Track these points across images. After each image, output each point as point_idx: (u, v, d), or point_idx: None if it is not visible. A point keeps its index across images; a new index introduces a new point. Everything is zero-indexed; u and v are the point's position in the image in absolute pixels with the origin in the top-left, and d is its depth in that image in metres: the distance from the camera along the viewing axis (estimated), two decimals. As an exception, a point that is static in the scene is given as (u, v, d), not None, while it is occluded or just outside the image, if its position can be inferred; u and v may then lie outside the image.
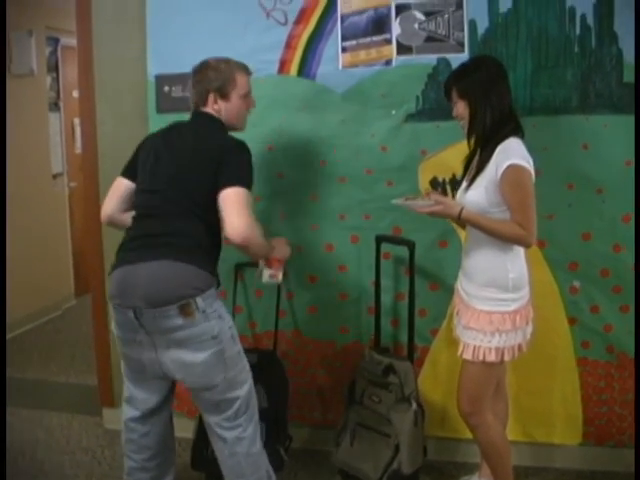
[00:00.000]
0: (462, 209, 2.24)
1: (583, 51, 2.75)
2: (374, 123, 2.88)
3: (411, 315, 2.81)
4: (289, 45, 2.89)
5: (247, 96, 2.42)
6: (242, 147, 2.27)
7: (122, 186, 2.44)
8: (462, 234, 2.65)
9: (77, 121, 5.27)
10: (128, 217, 2.38)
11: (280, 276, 2.53)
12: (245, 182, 2.19)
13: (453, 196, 2.61)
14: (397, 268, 2.95)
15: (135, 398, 2.38)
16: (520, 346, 2.36)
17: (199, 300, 2.14)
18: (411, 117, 2.86)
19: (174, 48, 2.98)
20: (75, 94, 5.28)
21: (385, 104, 2.87)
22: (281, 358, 3.01)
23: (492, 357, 2.32)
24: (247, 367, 2.36)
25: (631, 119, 2.71)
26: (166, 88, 3.01)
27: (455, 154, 2.60)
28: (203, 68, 2.38)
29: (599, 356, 2.88)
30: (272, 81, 2.89)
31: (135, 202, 2.38)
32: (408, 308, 2.83)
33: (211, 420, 2.33)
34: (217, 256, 2.36)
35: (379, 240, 2.88)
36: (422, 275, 2.87)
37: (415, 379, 2.75)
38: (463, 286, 2.44)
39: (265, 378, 2.79)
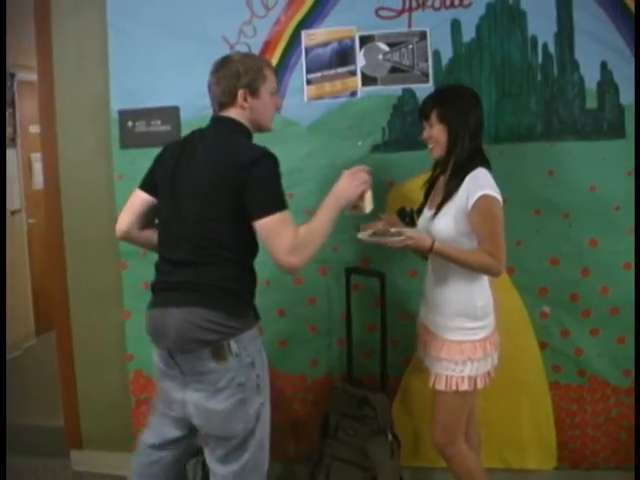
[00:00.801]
0: (434, 242, 2.23)
1: (546, 79, 2.80)
2: (341, 155, 2.88)
3: (384, 346, 2.80)
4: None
5: (276, 93, 2.24)
6: (262, 160, 2.01)
7: (139, 200, 2.26)
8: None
9: (35, 157, 5.21)
10: (147, 236, 2.28)
11: (367, 206, 2.24)
12: (274, 205, 1.98)
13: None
14: (367, 299, 2.94)
15: (157, 426, 2.27)
16: (490, 372, 2.37)
17: (232, 343, 2.02)
18: (377, 148, 2.87)
19: (137, 83, 2.96)
20: (32, 129, 5.20)
21: (351, 135, 2.88)
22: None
23: (465, 386, 2.31)
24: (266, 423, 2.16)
25: (594, 145, 2.77)
26: (130, 123, 2.98)
27: (422, 184, 2.60)
28: (227, 62, 2.16)
29: (570, 380, 2.90)
30: (237, 115, 2.88)
31: (159, 233, 2.23)
32: (381, 339, 2.81)
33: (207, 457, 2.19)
34: (252, 287, 2.16)
35: (349, 272, 2.87)
36: (392, 305, 2.85)
37: (390, 410, 2.74)
38: (429, 318, 2.43)
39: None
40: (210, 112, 2.73)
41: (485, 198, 2.21)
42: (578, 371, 2.88)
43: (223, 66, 2.17)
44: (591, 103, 2.78)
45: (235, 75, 2.13)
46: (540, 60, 2.80)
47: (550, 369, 2.88)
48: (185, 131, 2.92)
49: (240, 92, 2.12)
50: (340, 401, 2.79)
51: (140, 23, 2.94)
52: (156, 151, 2.92)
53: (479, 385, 2.33)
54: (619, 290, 2.82)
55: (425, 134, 2.39)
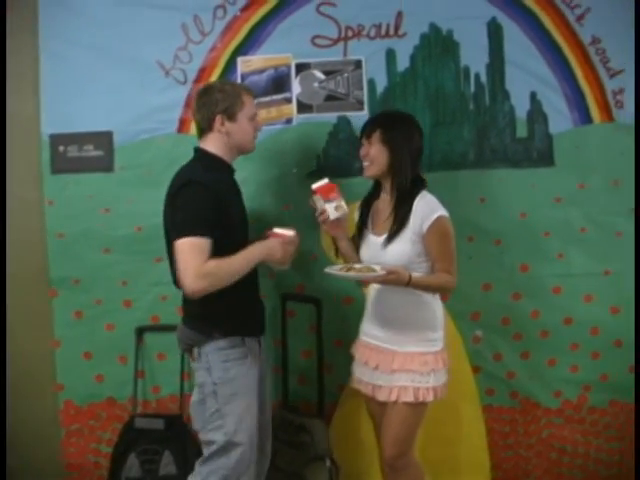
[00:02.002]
0: (410, 275, 2.23)
1: (478, 108, 2.87)
2: (275, 181, 2.89)
3: (320, 372, 2.81)
4: (189, 104, 2.86)
5: (254, 118, 2.33)
6: (186, 187, 2.15)
7: None
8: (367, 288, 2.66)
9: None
10: None
11: (342, 205, 2.37)
12: (186, 230, 2.10)
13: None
14: (302, 325, 2.94)
15: None
16: (446, 384, 2.40)
17: (195, 349, 2.28)
18: (312, 175, 2.87)
19: (69, 107, 2.91)
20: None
21: (286, 162, 2.90)
22: (188, 422, 2.92)
23: (430, 397, 2.34)
24: (226, 430, 2.24)
25: (524, 173, 2.86)
26: (61, 148, 2.92)
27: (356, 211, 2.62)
28: (207, 90, 2.31)
29: (503, 402, 2.96)
30: (171, 140, 2.88)
31: None
32: (317, 366, 2.82)
33: None
34: (226, 309, 2.25)
35: (285, 298, 2.87)
36: (327, 331, 2.86)
37: (327, 436, 2.74)
38: (386, 338, 2.39)
39: (173, 444, 2.72)
40: (144, 137, 2.72)
41: (442, 219, 2.29)
42: (510, 393, 2.95)
43: (203, 94, 2.31)
44: (521, 132, 2.87)
45: (214, 102, 2.27)
46: (472, 90, 2.88)
47: (483, 392, 2.92)
48: (118, 157, 2.93)
49: (217, 118, 2.26)
50: (276, 428, 2.77)
51: (74, 46, 2.90)
52: (89, 177, 2.92)
53: (439, 396, 2.36)
54: (549, 314, 2.90)
55: (363, 151, 2.40)
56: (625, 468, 2.94)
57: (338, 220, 2.40)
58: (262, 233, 2.36)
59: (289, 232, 2.30)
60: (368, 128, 2.39)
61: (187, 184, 2.16)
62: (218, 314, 2.26)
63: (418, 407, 2.34)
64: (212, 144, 2.29)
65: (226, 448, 2.22)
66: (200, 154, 2.30)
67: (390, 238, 2.32)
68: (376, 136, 2.35)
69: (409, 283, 2.21)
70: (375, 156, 2.35)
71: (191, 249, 2.08)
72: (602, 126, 2.85)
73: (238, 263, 2.15)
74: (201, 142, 2.31)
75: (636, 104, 2.81)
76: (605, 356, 2.89)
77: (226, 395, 2.23)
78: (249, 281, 2.27)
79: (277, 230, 2.31)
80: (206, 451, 2.27)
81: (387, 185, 2.39)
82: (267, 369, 2.49)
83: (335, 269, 2.27)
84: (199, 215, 2.10)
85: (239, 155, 2.35)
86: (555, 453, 2.97)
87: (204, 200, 2.12)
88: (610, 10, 2.82)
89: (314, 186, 2.39)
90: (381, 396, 2.38)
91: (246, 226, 2.39)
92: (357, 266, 2.28)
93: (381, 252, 2.33)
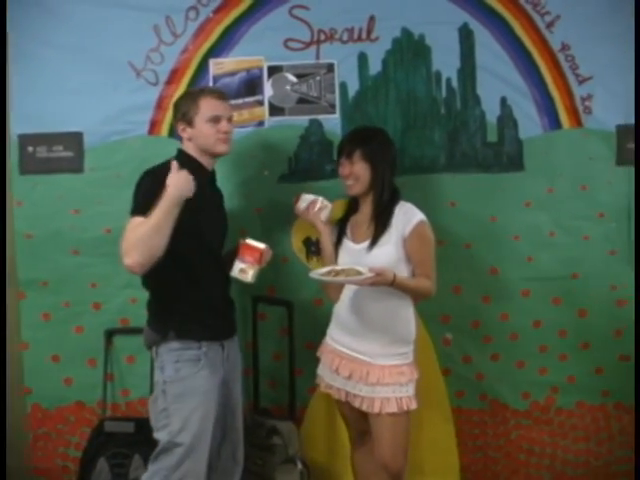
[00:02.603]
0: (395, 275, 2.24)
1: (449, 113, 2.90)
2: (246, 184, 2.89)
3: (292, 375, 2.81)
4: (160, 106, 2.86)
5: (216, 119, 2.30)
6: (141, 179, 2.25)
7: None
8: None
9: None
10: None
11: (250, 275, 2.30)
12: (132, 210, 2.16)
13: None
14: (273, 328, 2.95)
15: None
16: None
17: (154, 348, 2.32)
18: (284, 178, 2.90)
19: (39, 107, 2.87)
20: None
21: (257, 165, 2.90)
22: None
23: (414, 405, 2.37)
24: (170, 430, 2.23)
25: (495, 177, 2.89)
26: (30, 148, 2.88)
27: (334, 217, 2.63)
28: (176, 99, 2.41)
29: (473, 404, 2.98)
30: (142, 142, 2.86)
31: None
32: (289, 368, 2.83)
33: None
34: (178, 308, 2.28)
35: (256, 301, 2.86)
36: (298, 334, 2.87)
37: (299, 439, 2.74)
38: (359, 348, 2.40)
39: (143, 447, 2.69)
40: (115, 138, 2.69)
41: (422, 223, 2.34)
42: (480, 395, 2.98)
43: (174, 102, 2.41)
44: (492, 137, 2.90)
45: (176, 110, 2.36)
46: (444, 94, 2.90)
47: (453, 394, 2.94)
48: (88, 158, 2.90)
49: (179, 125, 2.34)
50: (247, 431, 2.76)
51: (44, 45, 2.87)
52: (58, 177, 2.89)
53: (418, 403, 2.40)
54: (518, 316, 2.94)
55: (345, 171, 2.40)
56: (591, 468, 2.99)
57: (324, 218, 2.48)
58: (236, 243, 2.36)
59: (260, 245, 2.30)
60: (347, 147, 2.40)
61: (144, 175, 2.26)
62: (174, 316, 2.29)
63: (403, 416, 2.37)
64: (186, 147, 2.35)
65: (169, 448, 2.23)
66: (178, 154, 2.33)
67: (374, 241, 2.35)
68: (358, 155, 2.37)
69: (394, 282, 2.22)
70: (359, 174, 2.37)
71: (128, 228, 2.11)
72: (571, 132, 2.89)
73: (154, 217, 2.08)
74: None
75: (636, 104, 2.84)
76: (572, 358, 2.94)
77: (174, 395, 2.24)
78: (213, 282, 2.29)
79: (249, 241, 2.31)
80: (155, 450, 2.27)
81: (368, 199, 2.42)
82: (237, 374, 2.47)
83: (320, 273, 2.25)
84: (144, 199, 2.15)
85: (213, 158, 2.35)
86: (523, 454, 3.01)
87: (153, 186, 2.14)
88: (580, 17, 2.86)
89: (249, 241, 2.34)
90: (362, 406, 2.39)
91: (217, 230, 2.41)
92: (342, 268, 2.27)
93: (364, 257, 2.35)
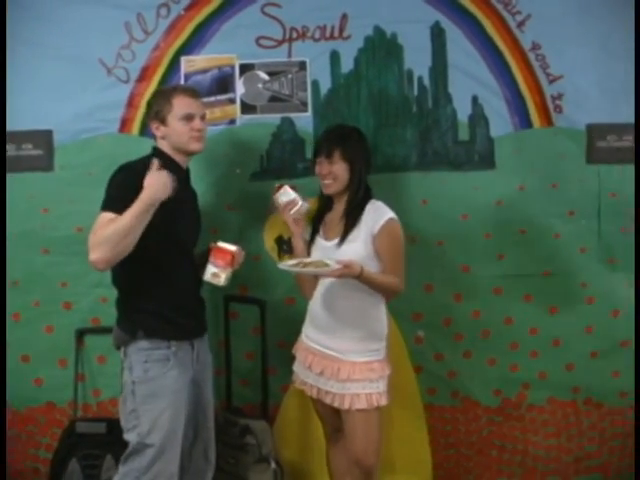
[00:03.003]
0: (362, 267, 2.24)
1: (421, 111, 2.91)
2: (219, 182, 2.88)
3: (265, 374, 2.81)
4: (131, 103, 2.84)
5: (189, 117, 2.29)
6: (115, 173, 2.23)
7: None
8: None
9: None
10: None
11: (223, 278, 2.29)
12: (103, 205, 2.13)
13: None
14: (245, 327, 2.94)
15: None
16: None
17: (122, 348, 2.31)
18: (256, 176, 2.89)
19: (8, 104, 2.80)
20: None
21: (229, 163, 2.89)
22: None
23: (384, 401, 2.38)
24: (139, 431, 2.23)
25: (466, 175, 2.91)
26: (-4, 146, 2.84)
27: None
28: (150, 98, 2.42)
29: (445, 401, 3.00)
30: (113, 140, 2.84)
31: None
32: (261, 367, 2.83)
33: None
34: (145, 306, 2.26)
35: (227, 300, 2.86)
36: (270, 333, 2.86)
37: (272, 438, 2.74)
38: (330, 344, 2.41)
39: (115, 448, 2.66)
40: (85, 136, 2.66)
41: (392, 221, 2.35)
42: (452, 393, 2.99)
43: (147, 101, 2.41)
44: (463, 135, 2.92)
45: (149, 108, 2.35)
46: (415, 93, 2.91)
47: (425, 392, 2.95)
48: (58, 156, 2.87)
49: (152, 123, 2.33)
50: (220, 430, 2.76)
51: (13, 41, 2.82)
52: (27, 176, 2.85)
53: (390, 400, 2.41)
54: (489, 314, 2.95)
55: (323, 170, 2.40)
56: (562, 463, 3.02)
57: (298, 218, 2.48)
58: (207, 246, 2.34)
59: (231, 248, 2.26)
60: (327, 148, 2.40)
61: (118, 170, 2.24)
62: (143, 315, 2.27)
63: (375, 412, 2.38)
64: (161, 145, 2.34)
65: (139, 450, 2.22)
66: (152, 152, 2.34)
67: (343, 238, 2.36)
68: (337, 154, 2.38)
69: (361, 275, 2.22)
70: (338, 173, 2.38)
71: (98, 223, 2.10)
72: (541, 130, 2.91)
73: (127, 216, 2.06)
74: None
75: (636, 106, 2.87)
76: (543, 355, 2.96)
77: (143, 395, 2.23)
78: (183, 282, 2.28)
79: (221, 244, 2.28)
80: (125, 451, 2.26)
81: (342, 198, 2.43)
82: (207, 374, 2.45)
83: (289, 265, 2.27)
84: (117, 194, 2.14)
85: (187, 156, 2.35)
86: (495, 451, 3.03)
87: (127, 181, 2.14)
88: (550, 17, 2.88)
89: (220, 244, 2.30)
90: (334, 402, 2.40)
91: (190, 229, 2.40)
92: (310, 260, 2.30)
93: (335, 253, 2.35)
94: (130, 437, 2.24)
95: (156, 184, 2.12)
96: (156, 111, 2.29)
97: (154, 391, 2.22)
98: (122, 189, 2.13)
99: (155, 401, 2.22)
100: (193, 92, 2.36)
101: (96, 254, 2.04)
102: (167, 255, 2.25)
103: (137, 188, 2.10)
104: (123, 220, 2.05)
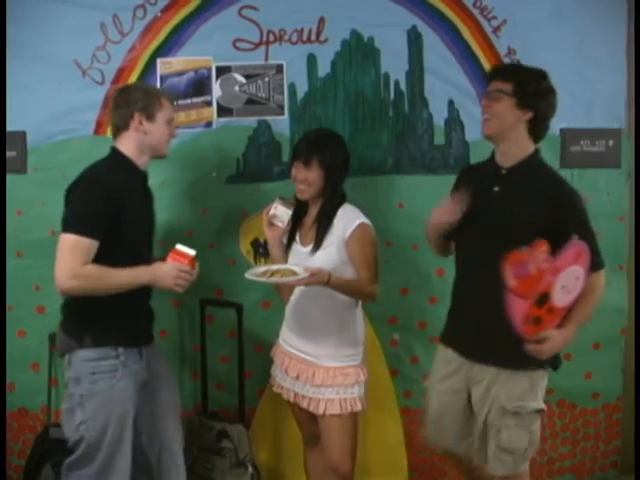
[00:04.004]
0: (330, 275, 2.22)
1: (397, 115, 2.93)
2: (194, 185, 2.87)
3: (241, 378, 2.81)
4: (106, 105, 2.79)
5: (171, 122, 2.29)
6: (78, 184, 2.16)
7: None
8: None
9: None
10: None
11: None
12: (68, 226, 2.08)
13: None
14: (221, 330, 2.93)
15: None
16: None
17: (67, 355, 2.22)
18: (232, 179, 2.89)
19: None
20: None
21: (205, 166, 2.88)
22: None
23: (359, 406, 2.38)
24: (89, 441, 2.19)
25: (442, 179, 2.87)
26: (-30, 148, 2.80)
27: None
28: (128, 88, 2.33)
29: (420, 404, 2.97)
30: (88, 142, 2.80)
31: None
32: (238, 371, 2.82)
33: None
34: (93, 311, 2.18)
35: (204, 303, 2.85)
36: (247, 336, 2.85)
37: (249, 442, 2.73)
38: (305, 349, 2.42)
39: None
40: (59, 138, 2.62)
41: (363, 226, 2.34)
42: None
43: (123, 92, 2.30)
44: (439, 139, 2.94)
45: (133, 100, 2.23)
46: (392, 96, 2.93)
47: (401, 395, 2.97)
48: (32, 158, 2.84)
49: (135, 115, 2.22)
50: (196, 435, 2.75)
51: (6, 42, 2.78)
52: (-1, 178, 2.81)
53: (365, 406, 2.41)
54: (464, 317, 2.96)
55: (299, 176, 2.37)
56: (535, 465, 3.03)
57: (276, 227, 2.44)
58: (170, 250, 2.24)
59: (190, 252, 2.18)
60: (305, 154, 2.36)
61: (83, 180, 2.17)
62: (92, 319, 2.20)
63: (349, 417, 2.38)
64: (126, 144, 2.25)
65: (88, 456, 2.20)
66: (112, 153, 2.27)
67: (317, 246, 2.35)
68: (315, 161, 2.35)
69: (328, 282, 2.20)
70: (313, 180, 2.36)
71: (73, 247, 2.05)
72: (516, 135, 2.94)
73: (119, 278, 2.10)
74: (116, 142, 2.26)
75: (636, 105, 2.91)
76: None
77: (92, 408, 2.18)
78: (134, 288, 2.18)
79: (179, 247, 2.18)
80: (71, 458, 2.23)
81: (317, 202, 2.41)
82: (163, 380, 2.40)
83: (256, 274, 2.24)
84: (88, 213, 2.09)
85: (151, 159, 2.30)
86: (470, 451, 3.05)
87: (97, 199, 2.09)
88: (525, 23, 2.91)
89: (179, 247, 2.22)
90: (309, 407, 2.40)
91: (149, 231, 2.35)
92: (277, 267, 2.28)
93: (308, 260, 2.35)
94: (79, 445, 2.20)
95: (174, 284, 2.13)
96: (145, 105, 2.22)
97: (103, 403, 2.18)
98: (90, 207, 2.09)
99: (104, 412, 2.18)
100: (172, 97, 2.38)
101: (70, 284, 2.05)
102: (119, 260, 2.12)
103: (103, 203, 2.08)
104: (115, 279, 2.07)
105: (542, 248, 1.96)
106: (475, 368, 2.23)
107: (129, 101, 2.23)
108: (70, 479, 2.24)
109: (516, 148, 2.18)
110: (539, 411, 2.19)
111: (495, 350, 2.15)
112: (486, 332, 2.17)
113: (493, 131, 2.20)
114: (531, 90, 2.14)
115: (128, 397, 2.21)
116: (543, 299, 1.98)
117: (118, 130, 2.26)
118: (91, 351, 2.18)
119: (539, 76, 2.20)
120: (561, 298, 2.00)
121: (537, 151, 2.21)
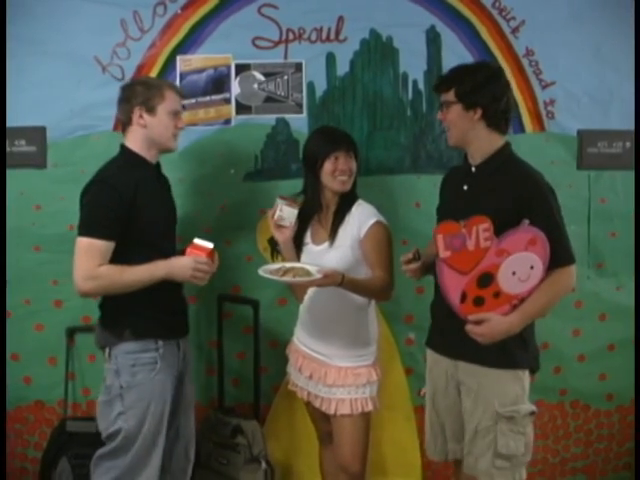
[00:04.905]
0: (344, 276, 2.21)
1: (415, 114, 2.93)
2: (212, 182, 2.88)
3: (257, 374, 2.82)
4: (125, 102, 2.82)
5: (176, 114, 2.28)
6: (93, 186, 2.19)
7: None
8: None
9: None
10: None
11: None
12: (84, 229, 2.13)
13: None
14: (237, 327, 2.94)
15: None
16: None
17: (107, 349, 2.27)
18: (250, 176, 2.90)
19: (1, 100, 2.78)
20: None
21: (224, 163, 2.88)
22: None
23: (370, 407, 2.38)
24: (126, 432, 2.21)
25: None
26: (-9, 143, 2.81)
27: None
28: (131, 84, 2.34)
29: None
30: (106, 138, 2.79)
31: None
32: (254, 367, 2.83)
33: None
34: (134, 307, 2.22)
35: (221, 299, 2.86)
36: (263, 332, 2.87)
37: (263, 438, 2.74)
38: (318, 348, 2.43)
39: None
40: (79, 134, 2.62)
41: (378, 224, 2.34)
42: (441, 395, 3.01)
43: (126, 88, 2.31)
44: (456, 138, 2.93)
45: (134, 95, 2.24)
46: (410, 96, 2.93)
47: (415, 393, 2.96)
48: (52, 153, 2.86)
49: (136, 110, 2.23)
50: (212, 430, 2.77)
51: (7, 37, 2.78)
52: (20, 173, 2.83)
53: (378, 406, 2.42)
54: (481, 316, 2.96)
55: (344, 166, 2.35)
56: (548, 465, 3.06)
57: (285, 228, 2.42)
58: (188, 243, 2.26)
59: (208, 245, 2.20)
60: (346, 143, 2.38)
61: (95, 182, 2.20)
62: (130, 314, 2.24)
63: (361, 417, 2.38)
64: (132, 140, 2.27)
65: (124, 448, 2.22)
66: (121, 150, 2.30)
67: (331, 244, 2.36)
68: (353, 152, 2.39)
69: (342, 282, 2.20)
70: (354, 170, 2.38)
71: (87, 249, 2.11)
72: (534, 135, 2.96)
73: (136, 275, 2.14)
74: (124, 138, 2.30)
75: (636, 105, 2.91)
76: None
77: (132, 400, 2.22)
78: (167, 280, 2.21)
79: (197, 241, 2.21)
80: (105, 448, 2.26)
81: (335, 199, 2.41)
82: (189, 372, 2.44)
83: (269, 270, 2.23)
84: (101, 215, 2.13)
85: (160, 152, 2.31)
86: (484, 451, 3.05)
87: (109, 201, 2.13)
88: (544, 24, 2.91)
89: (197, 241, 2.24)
90: (322, 406, 2.41)
91: (169, 222, 2.37)
92: (291, 265, 2.27)
93: (323, 259, 2.34)
94: (115, 437, 2.22)
95: (192, 276, 2.16)
96: (145, 99, 2.22)
97: (142, 395, 2.22)
98: (104, 210, 2.13)
99: (143, 404, 2.21)
100: (180, 90, 2.38)
101: (87, 286, 2.11)
102: (139, 257, 2.17)
103: (116, 204, 2.12)
104: (132, 277, 2.12)
105: (483, 225, 1.93)
106: (460, 367, 2.20)
107: (130, 96, 2.26)
108: (100, 469, 2.26)
109: (482, 146, 2.16)
110: (532, 413, 2.16)
111: (477, 346, 2.06)
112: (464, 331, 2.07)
113: (454, 141, 2.22)
114: (469, 88, 2.10)
115: (166, 390, 2.25)
116: (486, 279, 1.97)
117: (124, 126, 2.30)
118: (132, 344, 2.23)
119: (476, 70, 2.17)
120: (511, 285, 1.98)
121: (506, 145, 2.18)
